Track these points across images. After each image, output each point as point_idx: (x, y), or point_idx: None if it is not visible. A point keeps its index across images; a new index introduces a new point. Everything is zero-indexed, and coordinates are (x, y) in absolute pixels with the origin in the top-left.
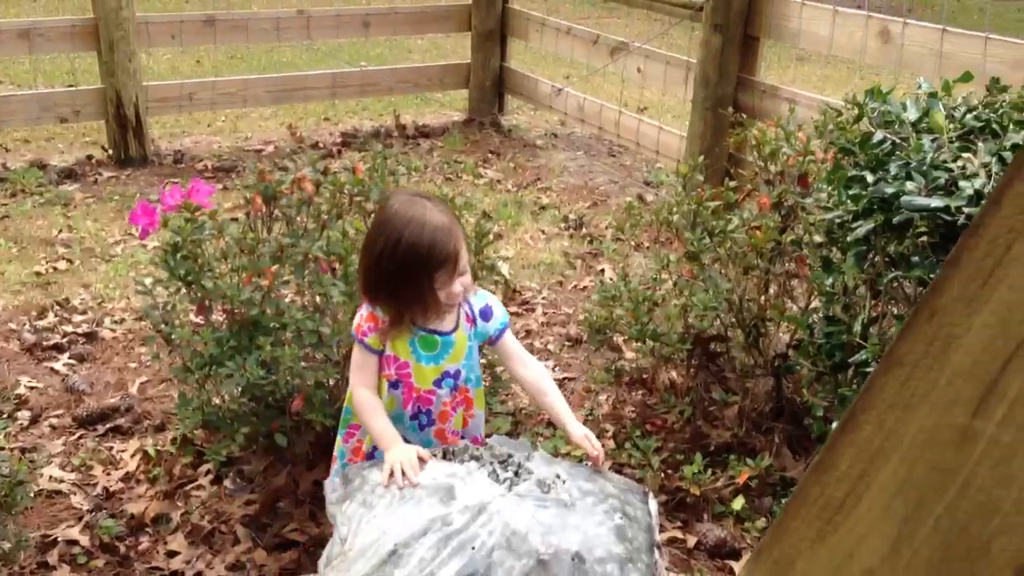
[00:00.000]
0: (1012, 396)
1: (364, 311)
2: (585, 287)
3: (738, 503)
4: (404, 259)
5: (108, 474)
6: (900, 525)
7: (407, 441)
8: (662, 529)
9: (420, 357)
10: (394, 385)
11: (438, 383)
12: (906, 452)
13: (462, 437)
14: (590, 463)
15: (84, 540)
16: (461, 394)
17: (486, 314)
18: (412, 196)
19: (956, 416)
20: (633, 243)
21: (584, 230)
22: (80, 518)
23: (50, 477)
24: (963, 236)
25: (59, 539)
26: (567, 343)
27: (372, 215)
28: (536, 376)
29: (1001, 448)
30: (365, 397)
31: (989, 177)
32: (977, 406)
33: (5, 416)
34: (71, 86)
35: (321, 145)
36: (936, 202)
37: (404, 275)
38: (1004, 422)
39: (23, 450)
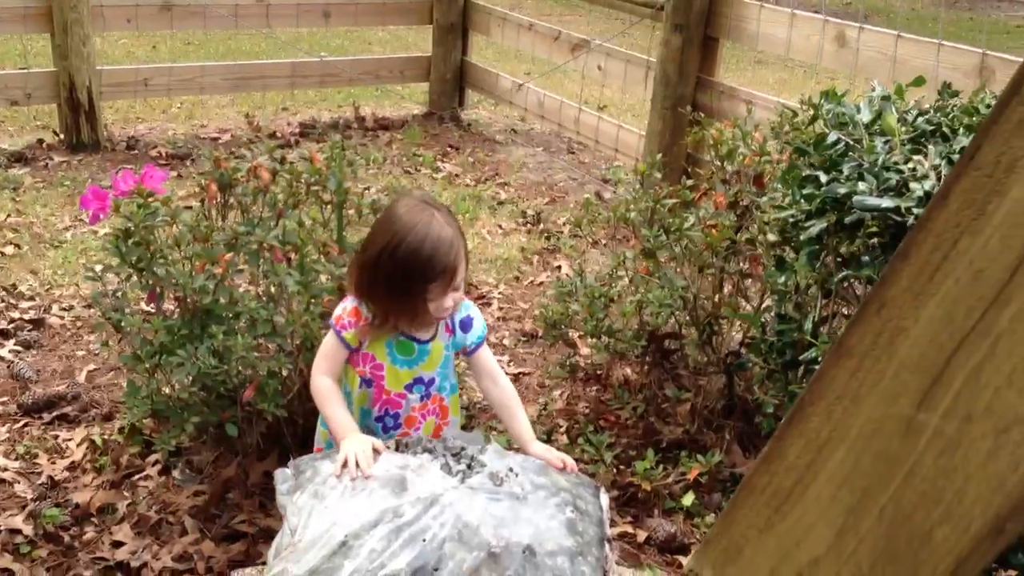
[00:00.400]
0: (956, 388)
1: (349, 304)
2: (542, 283)
3: (688, 499)
4: (402, 265)
5: (53, 463)
6: (846, 514)
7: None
8: (613, 524)
9: (395, 360)
10: (367, 383)
11: (409, 387)
12: (853, 443)
13: None
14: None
15: (27, 529)
16: (434, 402)
17: (465, 325)
18: (421, 202)
19: (902, 407)
20: (590, 240)
21: (542, 226)
22: (24, 507)
23: None
24: (912, 231)
25: (2, 528)
26: (522, 338)
27: (329, 204)
28: (507, 396)
29: (945, 439)
30: (325, 384)
31: (939, 179)
32: (923, 398)
33: None
34: (23, 69)
35: (279, 135)
36: (887, 203)
37: (399, 280)
38: (948, 414)
39: None
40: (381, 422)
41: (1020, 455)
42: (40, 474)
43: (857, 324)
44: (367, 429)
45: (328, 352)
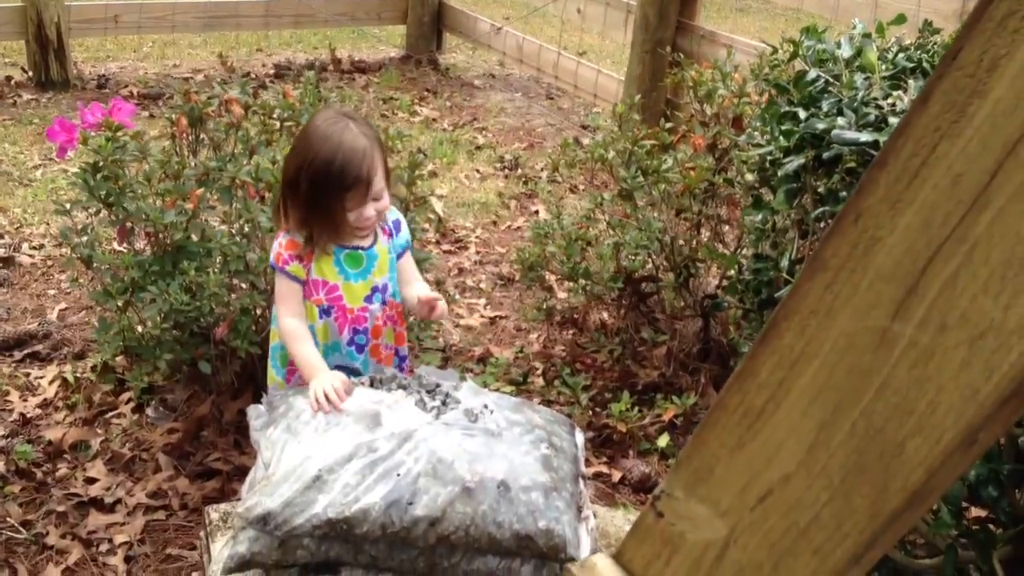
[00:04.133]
0: (931, 298)
1: (283, 238)
2: (519, 227)
3: (663, 440)
4: (315, 178)
5: (25, 400)
6: (817, 430)
7: (348, 370)
8: (589, 464)
9: (348, 276)
10: (326, 312)
11: (368, 299)
12: (826, 357)
13: (396, 352)
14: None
15: None
16: (391, 307)
17: (397, 226)
18: (336, 114)
19: (876, 319)
20: (568, 185)
21: (519, 171)
22: None
23: None
24: (890, 138)
25: None
26: (499, 282)
27: None
28: (416, 287)
29: (919, 350)
30: (292, 326)
31: None
32: (897, 309)
33: None
34: None
35: (253, 76)
36: (866, 136)
37: (314, 195)
38: (923, 324)
39: None
40: (352, 344)
41: (994, 363)
42: (12, 411)
43: (832, 236)
44: (341, 358)
45: (282, 293)
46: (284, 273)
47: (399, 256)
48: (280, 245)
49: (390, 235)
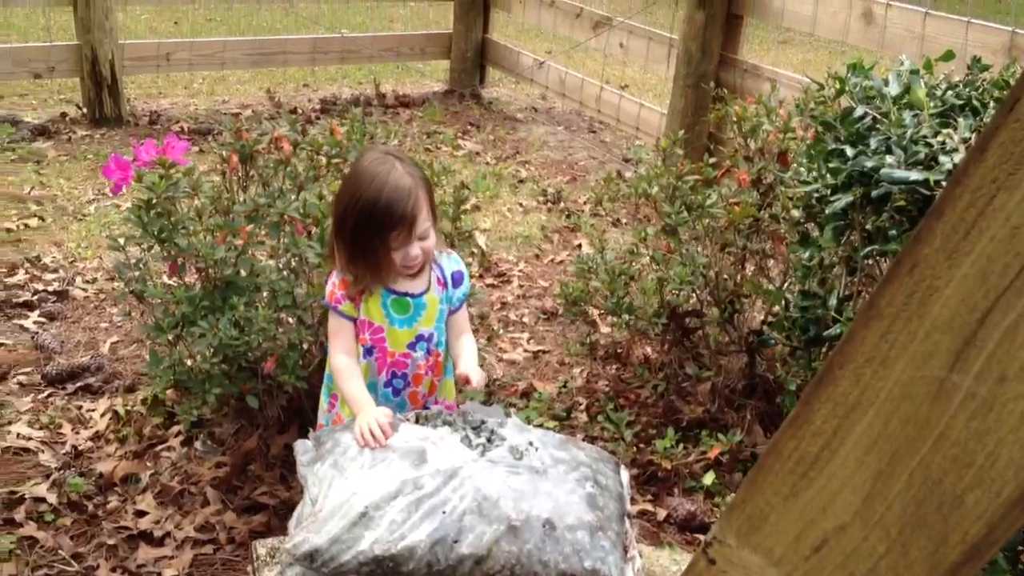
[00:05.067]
0: (990, 349)
1: (336, 277)
2: (562, 261)
3: (709, 478)
4: (360, 217)
5: (77, 433)
6: (874, 480)
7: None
8: (633, 502)
9: (393, 320)
10: (368, 352)
11: (412, 346)
12: (882, 406)
13: (435, 400)
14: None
15: (52, 498)
16: (434, 357)
17: (457, 280)
18: (383, 154)
19: (934, 369)
20: (611, 219)
21: (562, 204)
22: (48, 476)
23: (18, 434)
24: (947, 186)
25: (26, 496)
26: (542, 316)
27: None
28: (466, 340)
29: (977, 401)
30: (342, 363)
31: None
32: (955, 359)
33: None
34: (45, 42)
35: (300, 111)
36: (915, 175)
37: (361, 233)
38: (981, 375)
39: None
40: (390, 386)
41: None
42: (64, 444)
43: (888, 284)
44: (376, 400)
45: (334, 329)
46: (336, 311)
47: (455, 310)
48: (333, 284)
49: (445, 286)
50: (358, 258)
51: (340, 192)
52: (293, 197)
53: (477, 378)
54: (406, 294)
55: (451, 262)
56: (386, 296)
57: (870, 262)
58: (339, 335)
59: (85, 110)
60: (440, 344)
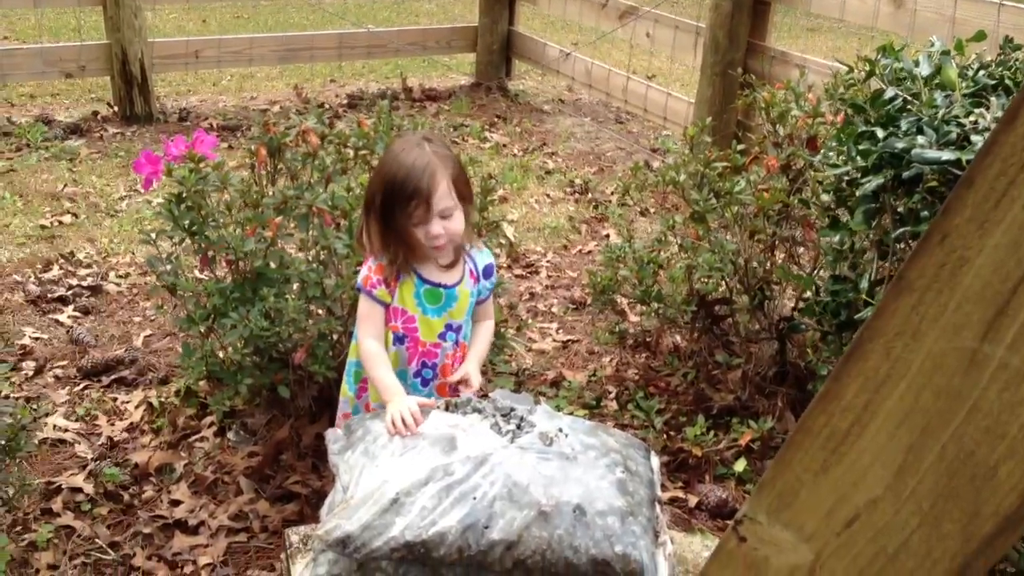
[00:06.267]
0: (1022, 318)
1: (372, 263)
2: (590, 251)
3: (740, 465)
4: (384, 193)
5: (112, 424)
6: (905, 453)
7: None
8: (664, 488)
9: (426, 310)
10: (400, 340)
11: (443, 336)
12: (913, 379)
13: (456, 391)
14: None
15: (88, 488)
16: (462, 350)
17: (488, 273)
18: (416, 137)
19: (965, 340)
20: (639, 208)
21: (590, 195)
22: (84, 466)
23: (54, 426)
24: (977, 156)
25: (63, 486)
26: (571, 306)
27: None
28: (484, 328)
29: (1010, 372)
30: (373, 348)
31: None
32: (987, 330)
33: (10, 366)
34: (76, 42)
35: (327, 106)
36: (947, 155)
37: (385, 211)
38: (1014, 345)
39: (27, 399)
40: (419, 376)
41: None
42: (100, 435)
43: (918, 256)
44: (405, 388)
45: (365, 313)
46: (370, 296)
47: (481, 301)
48: (369, 268)
49: (477, 279)
50: (389, 238)
51: (373, 173)
52: (321, 189)
53: (477, 382)
54: (440, 285)
55: (483, 256)
56: (420, 285)
57: (902, 245)
58: (369, 320)
59: (116, 108)
60: (467, 336)
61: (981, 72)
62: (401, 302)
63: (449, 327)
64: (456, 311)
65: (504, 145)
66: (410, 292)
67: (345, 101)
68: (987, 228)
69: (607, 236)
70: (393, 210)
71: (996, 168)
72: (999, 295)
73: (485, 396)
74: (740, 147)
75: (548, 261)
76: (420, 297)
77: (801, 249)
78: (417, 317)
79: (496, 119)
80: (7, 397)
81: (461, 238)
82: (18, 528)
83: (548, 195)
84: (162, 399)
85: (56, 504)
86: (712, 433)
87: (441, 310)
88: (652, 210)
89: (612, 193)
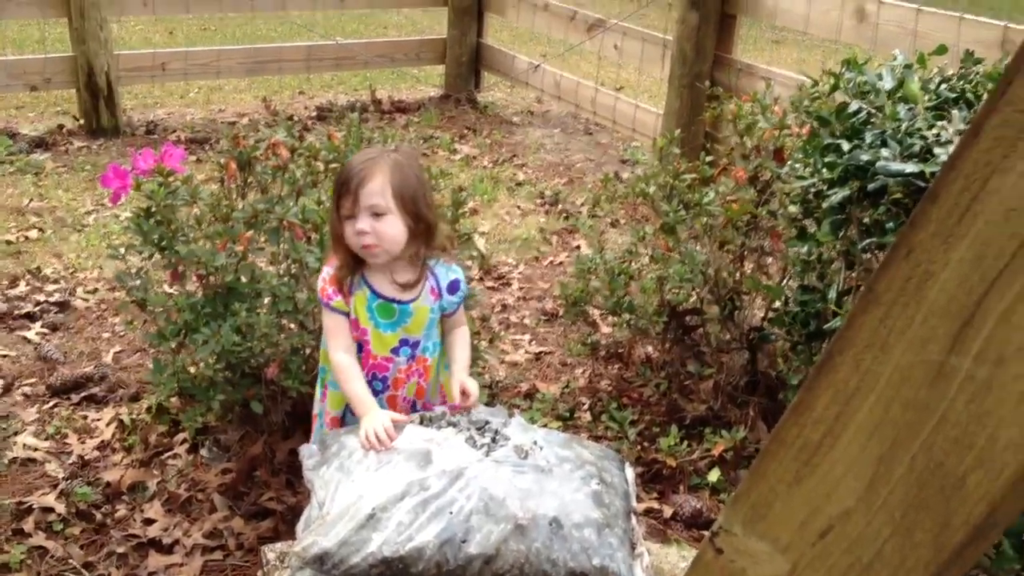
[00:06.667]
0: (987, 332)
1: (325, 273)
2: (561, 262)
3: (714, 475)
4: (334, 193)
5: (83, 442)
6: (876, 464)
7: None
8: (639, 500)
9: (378, 324)
10: (358, 347)
11: (395, 351)
12: (882, 391)
13: (413, 405)
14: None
15: (60, 507)
16: (419, 363)
17: (453, 288)
18: (382, 145)
19: (932, 353)
20: (609, 219)
21: (560, 206)
22: (55, 486)
23: (24, 445)
24: (941, 171)
25: (34, 506)
26: (543, 317)
27: None
28: (459, 336)
29: (976, 384)
30: (343, 362)
31: None
32: (953, 343)
33: None
34: (40, 54)
35: (296, 118)
36: (911, 167)
37: (333, 210)
38: (979, 358)
39: None
40: (370, 385)
41: None
42: (71, 453)
43: (885, 270)
44: None
45: (330, 327)
46: (329, 308)
47: (450, 312)
48: (323, 280)
49: (438, 296)
50: (336, 239)
51: None
52: (291, 203)
53: (476, 391)
54: (393, 300)
55: (449, 272)
56: (372, 299)
57: (868, 255)
58: (335, 332)
59: (82, 121)
60: (426, 350)
61: (943, 86)
62: (355, 312)
63: (404, 342)
64: (412, 327)
65: (474, 157)
66: (362, 304)
67: (314, 113)
68: (951, 242)
69: (578, 247)
70: (335, 205)
71: (959, 184)
72: (964, 308)
73: (490, 404)
74: (708, 159)
75: (519, 273)
76: (372, 311)
77: (770, 259)
78: (369, 331)
79: (466, 131)
80: None
81: (398, 249)
82: None
83: (519, 207)
84: (133, 416)
85: (28, 524)
86: (685, 443)
87: (395, 325)
88: (622, 221)
89: (582, 204)
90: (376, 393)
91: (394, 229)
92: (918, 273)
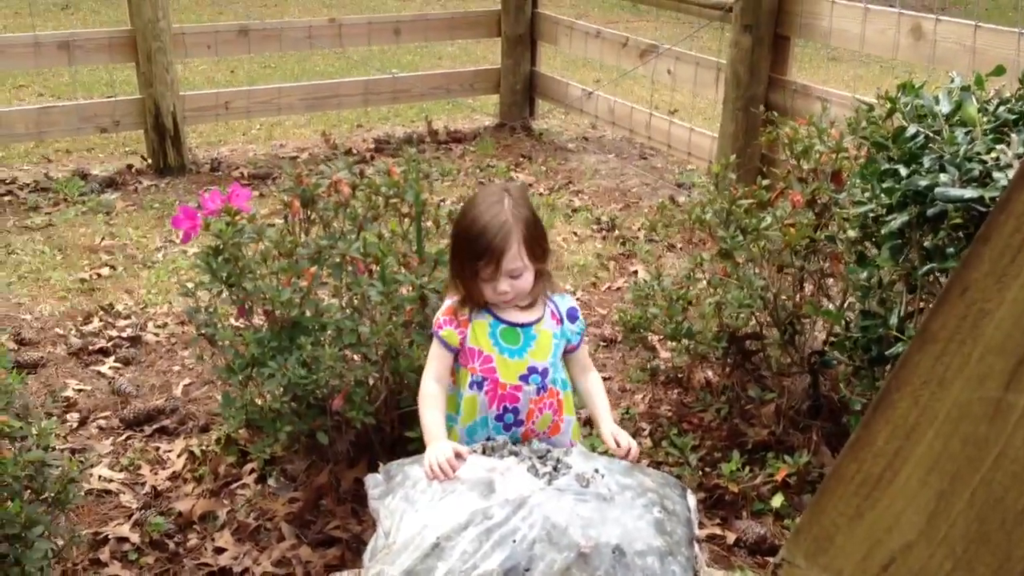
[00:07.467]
0: None
1: (445, 304)
2: (619, 288)
3: (777, 500)
4: (457, 244)
5: (156, 473)
6: (936, 499)
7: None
8: (701, 526)
9: (503, 350)
10: (479, 385)
11: (524, 379)
12: (941, 427)
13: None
14: (627, 459)
15: (134, 537)
16: (551, 395)
17: (572, 315)
18: (500, 189)
19: (989, 390)
20: (666, 244)
21: (616, 232)
22: (130, 516)
23: (99, 477)
24: (993, 212)
25: (110, 536)
26: (602, 343)
27: (407, 216)
28: (593, 383)
29: None
30: (429, 389)
31: None
32: (1009, 379)
33: (55, 418)
34: (110, 97)
35: (354, 151)
36: (970, 193)
37: (457, 259)
38: None
39: (73, 451)
40: (501, 420)
41: None
42: (144, 484)
43: (940, 308)
44: (488, 435)
45: (432, 355)
46: (437, 337)
47: (576, 346)
48: (441, 311)
49: (560, 321)
50: (459, 278)
51: (456, 217)
52: (353, 237)
53: (635, 446)
54: (515, 324)
55: (564, 300)
56: (495, 325)
57: (930, 279)
58: (433, 361)
59: (150, 161)
60: (556, 382)
61: (1002, 107)
62: (475, 342)
63: (532, 370)
64: (537, 351)
65: (530, 184)
66: (484, 332)
67: (372, 146)
68: (1005, 282)
69: (635, 272)
70: (464, 263)
71: (1011, 225)
72: (1020, 346)
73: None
74: (765, 182)
75: (578, 299)
76: (496, 337)
77: (830, 280)
78: (494, 357)
79: (521, 158)
80: (54, 449)
81: (529, 294)
82: None
83: (575, 233)
84: (203, 447)
85: (104, 554)
86: (747, 468)
87: (521, 351)
88: (679, 245)
89: (639, 229)
90: (508, 427)
91: (528, 281)
92: (973, 311)
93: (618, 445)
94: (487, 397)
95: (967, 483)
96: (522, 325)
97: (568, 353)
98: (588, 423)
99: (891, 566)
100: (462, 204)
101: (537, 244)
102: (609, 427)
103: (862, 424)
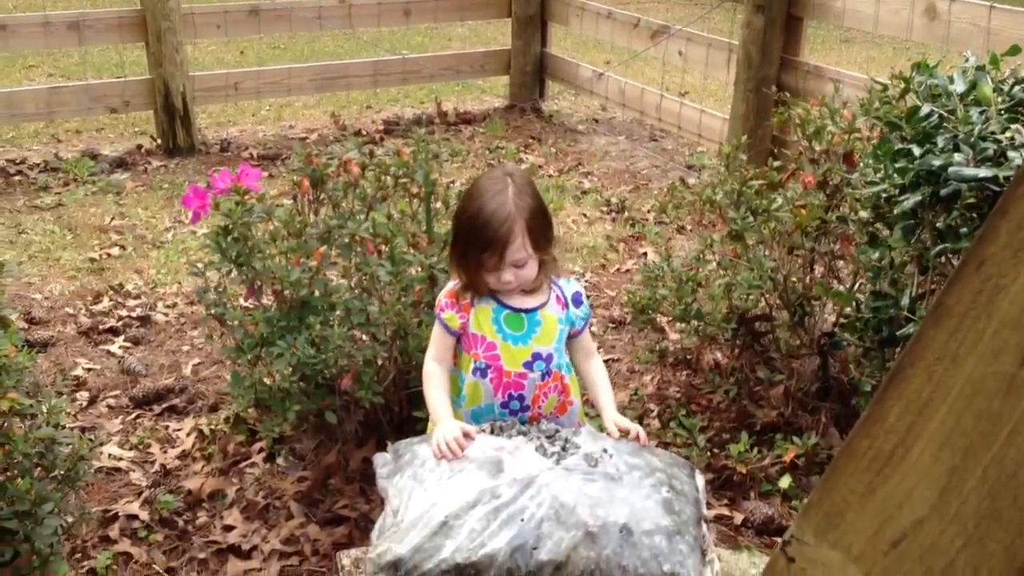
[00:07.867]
0: None
1: (448, 287)
2: (628, 270)
3: (785, 481)
4: (460, 231)
5: (165, 452)
6: (948, 475)
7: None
8: (709, 506)
9: (507, 336)
10: (482, 372)
11: (529, 365)
12: (954, 403)
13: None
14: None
15: (144, 515)
16: (555, 379)
17: (577, 300)
18: (503, 175)
19: (1003, 365)
20: (676, 226)
21: (626, 214)
22: (139, 494)
23: (109, 455)
24: (1010, 186)
25: (120, 514)
26: (611, 325)
27: (417, 197)
28: (596, 370)
29: None
30: (431, 370)
31: None
32: None
33: (64, 397)
34: (119, 77)
35: (364, 132)
36: (984, 172)
37: (461, 246)
38: None
39: (83, 429)
40: (507, 407)
41: None
42: (153, 463)
43: (955, 283)
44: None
45: (434, 336)
46: (439, 319)
47: (581, 331)
48: (444, 292)
49: (565, 306)
50: (461, 269)
51: (458, 204)
52: (362, 218)
53: (642, 432)
54: (520, 309)
55: (569, 284)
56: (498, 311)
57: (942, 259)
58: (435, 343)
59: (159, 141)
60: (561, 367)
61: (1016, 87)
62: (478, 328)
63: (537, 356)
64: (542, 337)
65: (540, 166)
66: (487, 317)
67: (382, 127)
68: (1021, 256)
69: (645, 254)
70: (467, 250)
71: None
72: None
73: (625, 435)
74: (776, 164)
75: (587, 281)
76: (500, 323)
77: (841, 262)
78: (498, 344)
79: (531, 140)
80: (64, 427)
81: (533, 281)
82: (78, 555)
83: (585, 215)
84: (212, 426)
85: (113, 531)
86: (756, 450)
87: (526, 337)
88: (689, 227)
89: (649, 211)
90: (514, 413)
91: (532, 270)
92: (989, 286)
93: (624, 435)
94: (491, 384)
95: (979, 459)
96: (527, 310)
97: (571, 338)
98: (587, 403)
99: (902, 542)
100: (464, 191)
101: (542, 234)
102: (612, 416)
103: (874, 400)
